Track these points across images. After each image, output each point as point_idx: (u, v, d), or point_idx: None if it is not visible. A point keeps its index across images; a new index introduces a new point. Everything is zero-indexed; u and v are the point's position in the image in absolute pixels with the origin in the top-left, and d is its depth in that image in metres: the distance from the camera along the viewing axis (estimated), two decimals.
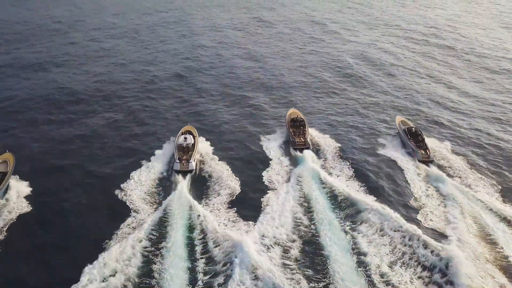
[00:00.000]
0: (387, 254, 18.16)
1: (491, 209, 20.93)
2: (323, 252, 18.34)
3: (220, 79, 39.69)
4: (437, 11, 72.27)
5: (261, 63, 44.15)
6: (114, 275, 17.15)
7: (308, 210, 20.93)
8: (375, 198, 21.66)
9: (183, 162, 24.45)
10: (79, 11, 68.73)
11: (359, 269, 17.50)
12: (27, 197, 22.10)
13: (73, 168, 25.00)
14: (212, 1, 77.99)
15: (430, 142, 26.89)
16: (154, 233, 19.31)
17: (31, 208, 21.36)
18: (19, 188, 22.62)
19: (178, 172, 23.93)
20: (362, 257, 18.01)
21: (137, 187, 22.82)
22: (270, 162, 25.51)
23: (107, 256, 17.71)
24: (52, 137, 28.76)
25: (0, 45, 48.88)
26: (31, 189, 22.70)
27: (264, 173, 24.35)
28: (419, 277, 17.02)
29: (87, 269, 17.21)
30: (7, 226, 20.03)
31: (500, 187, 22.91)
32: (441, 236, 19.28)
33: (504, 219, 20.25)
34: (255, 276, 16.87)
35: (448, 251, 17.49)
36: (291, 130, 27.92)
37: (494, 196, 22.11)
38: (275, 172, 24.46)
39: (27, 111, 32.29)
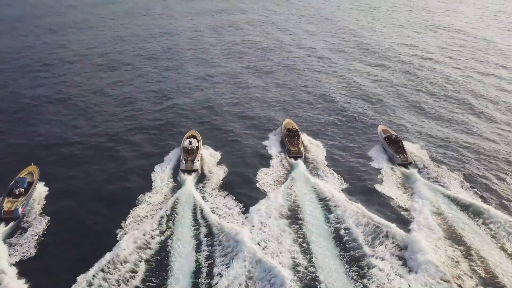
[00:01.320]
0: (363, 239, 22.35)
1: (455, 201, 25.21)
2: (307, 238, 22.56)
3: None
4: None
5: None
6: (131, 255, 21.31)
7: (299, 207, 24.99)
8: (354, 197, 25.68)
9: (188, 162, 28.59)
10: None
11: (337, 247, 21.87)
12: (51, 198, 26.37)
13: (89, 171, 29.58)
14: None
15: (409, 147, 31.14)
16: (165, 221, 23.66)
17: (56, 207, 25.68)
18: (43, 192, 26.90)
19: (184, 171, 28.10)
20: (339, 239, 22.38)
21: (151, 183, 27.44)
22: (267, 166, 29.57)
23: (127, 239, 22.11)
24: (75, 141, 33.46)
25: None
26: (52, 192, 26.92)
27: (261, 175, 28.32)
28: (387, 252, 21.36)
29: (108, 255, 21.27)
30: (41, 221, 24.31)
31: (467, 183, 27.32)
32: (407, 223, 23.58)
33: (465, 208, 24.55)
34: (250, 258, 20.70)
35: (410, 236, 21.87)
36: (286, 140, 31.99)
37: (460, 191, 26.41)
38: (272, 174, 28.55)
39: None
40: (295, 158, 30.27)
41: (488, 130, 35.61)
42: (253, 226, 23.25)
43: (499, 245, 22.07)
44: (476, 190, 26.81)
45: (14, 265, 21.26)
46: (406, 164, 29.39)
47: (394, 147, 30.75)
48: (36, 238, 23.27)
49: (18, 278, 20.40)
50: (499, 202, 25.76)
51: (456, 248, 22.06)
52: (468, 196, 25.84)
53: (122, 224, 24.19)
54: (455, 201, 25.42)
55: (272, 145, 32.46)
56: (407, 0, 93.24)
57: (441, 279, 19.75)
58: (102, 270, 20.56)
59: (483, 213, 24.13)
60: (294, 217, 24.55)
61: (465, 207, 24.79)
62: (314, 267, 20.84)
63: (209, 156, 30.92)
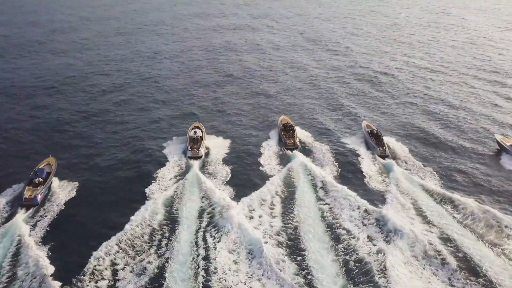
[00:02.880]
0: (345, 216, 26.01)
1: (425, 189, 28.94)
2: (299, 215, 26.01)
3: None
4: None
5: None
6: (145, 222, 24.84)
7: (295, 193, 28.26)
8: (342, 181, 29.44)
9: (194, 150, 32.15)
10: None
11: (324, 222, 25.37)
12: (67, 186, 29.11)
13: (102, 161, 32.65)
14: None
15: (388, 141, 35.10)
16: (174, 200, 27.10)
17: (72, 193, 28.37)
18: (60, 181, 29.50)
19: (190, 158, 31.68)
20: (325, 216, 25.94)
21: (161, 168, 30.83)
22: (266, 156, 33.18)
23: (139, 213, 25.52)
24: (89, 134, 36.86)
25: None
26: (69, 181, 29.67)
27: (261, 163, 31.85)
28: (364, 225, 25.18)
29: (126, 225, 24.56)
30: (57, 207, 26.86)
31: (435, 173, 31.09)
32: (382, 202, 27.43)
33: (434, 195, 28.27)
34: (240, 230, 23.95)
35: (383, 210, 25.84)
36: (283, 133, 35.61)
37: (431, 179, 30.26)
38: (270, 163, 32.04)
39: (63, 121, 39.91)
40: (291, 150, 33.69)
41: (460, 123, 40.02)
42: (250, 205, 26.63)
43: (467, 228, 25.04)
44: (444, 178, 30.78)
45: (35, 243, 23.76)
46: (384, 156, 33.12)
47: (376, 140, 34.47)
48: (53, 221, 25.84)
49: (38, 254, 22.84)
50: (464, 190, 29.57)
51: (425, 223, 25.55)
52: (437, 185, 29.70)
53: (134, 203, 27.06)
54: (423, 187, 29.24)
55: (270, 139, 36.15)
56: None
57: (412, 246, 23.14)
58: (117, 244, 23.40)
59: (447, 198, 27.83)
60: (289, 199, 27.89)
61: (433, 193, 28.59)
62: (301, 243, 23.82)
63: (212, 145, 34.60)
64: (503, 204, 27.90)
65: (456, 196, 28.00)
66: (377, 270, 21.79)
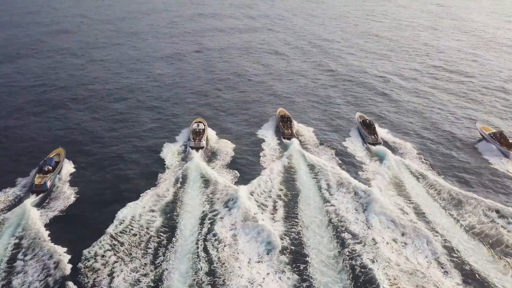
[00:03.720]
0: (337, 193, 28.14)
1: (411, 172, 30.91)
2: (299, 197, 27.85)
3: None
4: None
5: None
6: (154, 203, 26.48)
7: (293, 176, 30.18)
8: (338, 166, 31.40)
9: (196, 141, 34.18)
10: None
11: (320, 197, 27.46)
12: (75, 175, 30.58)
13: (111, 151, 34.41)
14: None
15: (380, 130, 37.06)
16: (177, 186, 28.65)
17: (79, 182, 29.68)
18: (69, 170, 31.07)
19: (192, 148, 33.68)
20: (323, 193, 28.03)
21: (166, 157, 32.70)
22: (265, 145, 35.08)
23: (146, 197, 27.13)
24: (99, 125, 38.71)
25: None
26: (76, 170, 31.16)
27: (260, 152, 33.55)
28: (354, 201, 27.18)
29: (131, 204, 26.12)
30: (65, 193, 28.27)
31: (428, 162, 32.84)
32: (370, 183, 29.25)
33: (419, 177, 30.18)
34: (244, 214, 25.23)
35: (370, 192, 27.62)
36: (281, 124, 37.55)
37: (418, 163, 32.18)
38: (269, 152, 33.86)
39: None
40: (289, 139, 35.49)
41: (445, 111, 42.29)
42: (252, 190, 28.17)
43: (447, 212, 26.69)
44: (430, 163, 32.78)
45: (45, 226, 24.94)
46: (376, 143, 34.96)
47: (368, 129, 36.34)
48: (60, 205, 27.16)
49: (49, 236, 24.02)
50: (442, 172, 31.54)
51: (407, 203, 27.44)
52: (422, 168, 31.79)
53: (141, 188, 28.67)
54: (410, 169, 31.33)
55: (268, 129, 38.10)
56: None
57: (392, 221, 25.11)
58: (122, 224, 24.75)
59: (429, 180, 29.86)
60: (288, 184, 29.54)
61: (419, 175, 30.60)
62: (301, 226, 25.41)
63: (214, 137, 36.51)
64: (477, 187, 29.79)
65: (433, 177, 30.11)
66: (362, 237, 24.14)
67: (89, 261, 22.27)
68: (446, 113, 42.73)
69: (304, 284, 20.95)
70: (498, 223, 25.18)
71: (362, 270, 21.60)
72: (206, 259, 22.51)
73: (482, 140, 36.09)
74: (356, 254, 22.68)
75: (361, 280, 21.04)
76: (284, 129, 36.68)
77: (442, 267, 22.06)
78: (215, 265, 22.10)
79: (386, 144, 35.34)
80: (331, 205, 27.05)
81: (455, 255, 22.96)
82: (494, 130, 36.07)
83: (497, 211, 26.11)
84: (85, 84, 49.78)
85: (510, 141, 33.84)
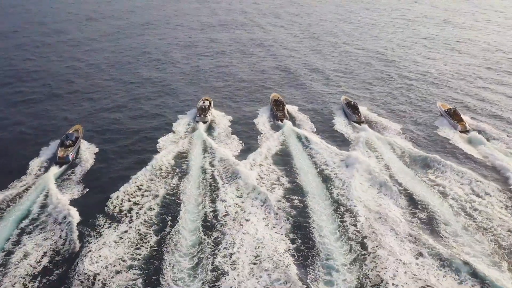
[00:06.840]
0: (326, 159, 32.93)
1: (389, 143, 35.68)
2: (295, 169, 31.91)
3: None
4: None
5: None
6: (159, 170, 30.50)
7: (287, 150, 34.36)
8: (325, 141, 35.90)
9: (202, 116, 38.88)
10: None
11: (314, 166, 31.93)
12: (93, 149, 34.36)
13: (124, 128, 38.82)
14: None
15: (363, 110, 41.63)
16: (182, 153, 32.93)
17: (97, 154, 33.51)
18: (87, 144, 34.65)
19: (198, 122, 38.46)
20: (316, 161, 32.64)
21: (177, 128, 37.56)
22: (260, 124, 39.44)
23: (155, 160, 31.49)
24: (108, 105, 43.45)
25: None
26: (94, 144, 34.96)
27: (257, 130, 37.98)
28: (341, 163, 32.18)
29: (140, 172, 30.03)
30: (85, 165, 31.81)
31: (405, 134, 37.68)
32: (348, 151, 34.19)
33: (395, 148, 34.96)
34: (245, 183, 28.64)
35: (352, 154, 32.72)
36: (274, 107, 41.76)
37: (397, 138, 36.81)
38: (264, 131, 38.05)
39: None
40: (281, 121, 39.61)
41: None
42: (251, 162, 32.13)
43: (420, 178, 31.02)
44: (407, 136, 37.70)
45: (67, 194, 27.72)
46: (359, 122, 39.49)
47: (352, 110, 40.87)
48: (81, 176, 30.80)
49: (70, 203, 27.09)
50: (422, 144, 36.40)
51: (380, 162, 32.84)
52: (401, 141, 36.60)
53: (152, 153, 33.25)
54: (388, 142, 36.07)
55: (264, 112, 42.35)
56: None
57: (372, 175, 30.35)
58: (135, 183, 28.94)
59: (400, 146, 35.02)
60: (283, 159, 33.66)
61: (394, 146, 35.39)
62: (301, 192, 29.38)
63: (218, 114, 41.20)
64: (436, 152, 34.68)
65: (403, 144, 35.75)
66: (346, 186, 29.29)
67: (101, 221, 25.60)
68: (414, 92, 49.04)
69: (304, 234, 25.03)
70: (440, 169, 32.07)
71: (348, 212, 26.96)
72: (213, 217, 25.99)
73: (440, 116, 41.48)
74: (343, 198, 28.23)
75: (346, 216, 26.48)
76: (277, 111, 40.85)
77: (402, 208, 27.53)
78: (221, 223, 25.35)
79: (368, 122, 40.11)
80: (323, 170, 31.81)
81: (412, 197, 28.61)
82: (449, 107, 41.52)
83: (438, 162, 32.57)
84: (112, 69, 55.73)
85: (461, 116, 39.61)
